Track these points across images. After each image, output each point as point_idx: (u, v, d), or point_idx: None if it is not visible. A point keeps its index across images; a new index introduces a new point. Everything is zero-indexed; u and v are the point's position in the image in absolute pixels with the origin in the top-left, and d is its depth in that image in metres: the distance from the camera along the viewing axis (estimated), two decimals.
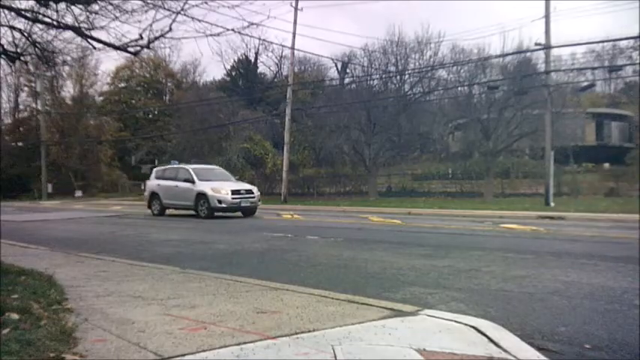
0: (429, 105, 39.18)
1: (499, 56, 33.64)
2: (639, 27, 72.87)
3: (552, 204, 24.27)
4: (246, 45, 54.20)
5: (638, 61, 41.36)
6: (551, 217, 18.48)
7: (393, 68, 42.44)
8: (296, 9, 34.30)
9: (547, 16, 25.29)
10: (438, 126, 39.23)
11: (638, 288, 6.10)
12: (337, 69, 51.11)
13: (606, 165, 38.76)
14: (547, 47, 25.79)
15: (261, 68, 56.18)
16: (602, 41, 34.20)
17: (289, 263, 8.54)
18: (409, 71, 41.96)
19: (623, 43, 40.58)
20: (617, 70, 37.95)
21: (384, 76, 42.65)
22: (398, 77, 42.78)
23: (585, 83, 36.94)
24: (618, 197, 29.28)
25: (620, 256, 8.79)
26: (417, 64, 43.08)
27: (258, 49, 54.13)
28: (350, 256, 9.19)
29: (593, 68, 39.74)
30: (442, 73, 39.30)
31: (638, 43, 39.55)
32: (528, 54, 32.24)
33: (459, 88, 36.53)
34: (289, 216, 21.08)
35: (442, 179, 39.18)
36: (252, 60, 54.80)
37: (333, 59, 49.69)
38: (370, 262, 8.36)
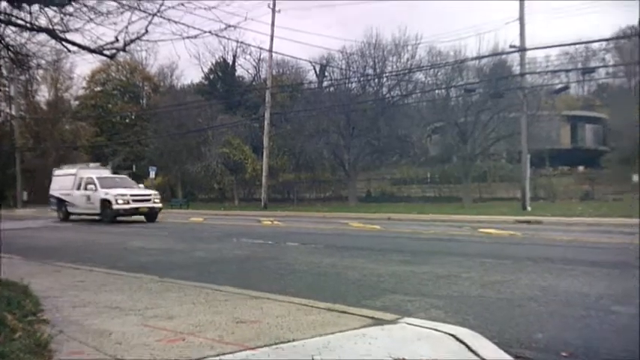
0: (407, 108, 39.26)
1: (475, 58, 33.71)
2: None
3: (529, 208, 24.51)
4: (224, 48, 53.84)
5: (610, 63, 42.08)
6: (529, 222, 18.68)
7: (370, 71, 42.45)
8: (273, 10, 34.25)
9: (521, 18, 25.33)
10: (417, 129, 39.41)
11: (613, 294, 6.21)
12: (315, 72, 51.11)
13: (581, 168, 39.37)
14: (522, 49, 25.88)
15: (239, 71, 55.92)
16: (575, 43, 34.47)
17: (269, 271, 8.51)
18: (387, 74, 42.03)
19: (595, 46, 41.08)
20: (590, 72, 38.50)
21: (362, 79, 42.64)
22: (376, 80, 42.81)
23: (559, 85, 37.35)
24: (593, 201, 29.74)
25: (596, 261, 8.94)
26: (395, 66, 43.14)
27: (236, 52, 53.85)
28: (330, 262, 9.18)
29: (567, 70, 40.35)
30: (419, 75, 39.44)
31: (611, 45, 40.36)
32: (504, 56, 32.57)
33: (437, 91, 36.75)
34: (269, 222, 21.01)
35: (421, 184, 39.44)
36: (230, 63, 54.49)
37: (311, 62, 49.50)
38: (350, 269, 8.37)
